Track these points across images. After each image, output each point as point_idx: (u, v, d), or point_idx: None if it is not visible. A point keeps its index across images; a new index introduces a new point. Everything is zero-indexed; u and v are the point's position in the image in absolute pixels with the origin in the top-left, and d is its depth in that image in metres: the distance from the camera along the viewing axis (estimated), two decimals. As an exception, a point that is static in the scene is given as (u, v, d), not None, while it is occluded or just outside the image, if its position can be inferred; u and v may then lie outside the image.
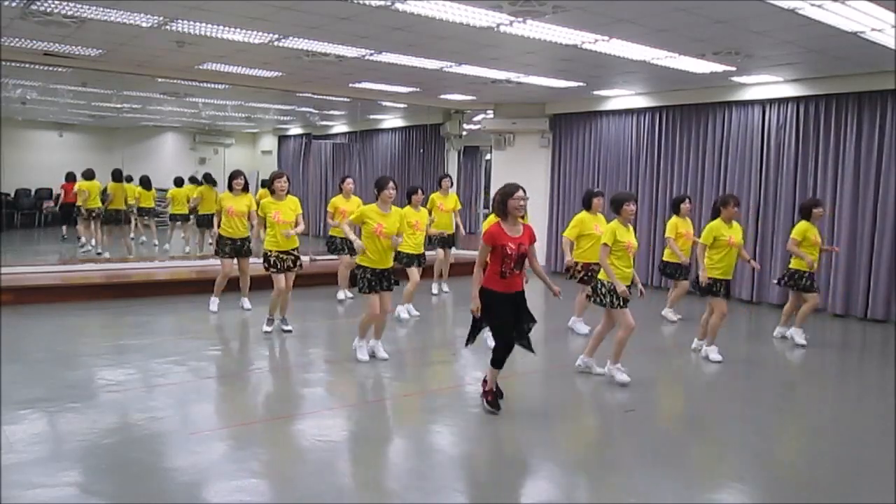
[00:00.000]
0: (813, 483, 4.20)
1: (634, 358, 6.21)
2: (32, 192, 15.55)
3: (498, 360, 4.96)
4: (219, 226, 8.07)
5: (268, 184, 7.31)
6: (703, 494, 3.99)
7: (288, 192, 7.23)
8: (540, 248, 12.83)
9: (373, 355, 6.33)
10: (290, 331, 7.32)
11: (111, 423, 4.68)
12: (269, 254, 7.12)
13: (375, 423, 5.07)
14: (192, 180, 13.21)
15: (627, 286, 5.67)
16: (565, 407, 5.41)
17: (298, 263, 7.26)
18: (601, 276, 5.79)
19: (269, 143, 19.41)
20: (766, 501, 3.94)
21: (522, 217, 5.00)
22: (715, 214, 6.67)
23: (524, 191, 4.94)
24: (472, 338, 5.07)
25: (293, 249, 7.20)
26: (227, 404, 5.46)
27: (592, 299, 5.92)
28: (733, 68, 8.61)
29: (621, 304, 5.65)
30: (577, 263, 7.45)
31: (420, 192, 8.22)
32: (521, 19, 6.59)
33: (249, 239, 8.18)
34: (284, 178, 7.21)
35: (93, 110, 14.46)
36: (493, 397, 5.01)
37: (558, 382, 6.13)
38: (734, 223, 6.61)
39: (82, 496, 3.64)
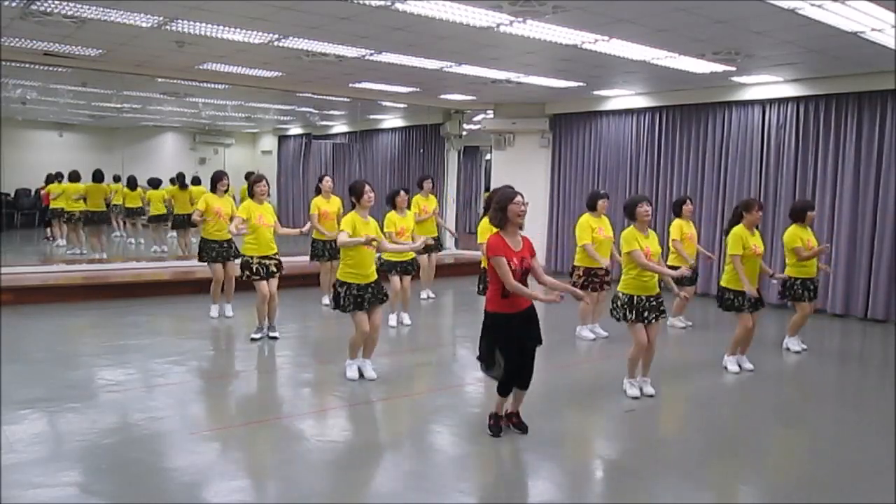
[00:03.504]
0: (813, 483, 4.20)
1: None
2: (32, 192, 15.55)
3: (507, 389, 4.52)
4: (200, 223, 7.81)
5: (248, 186, 7.04)
6: (703, 494, 3.99)
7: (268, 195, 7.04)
8: (539, 251, 12.74)
9: (361, 375, 5.83)
10: (276, 338, 7.10)
11: (111, 423, 4.68)
12: (250, 260, 6.86)
13: (375, 424, 5.07)
14: (173, 182, 13.18)
15: (651, 296, 5.34)
16: (565, 407, 5.40)
17: (281, 267, 7.06)
18: (619, 287, 5.43)
19: (269, 143, 19.40)
20: (766, 501, 3.94)
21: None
22: (736, 220, 6.19)
23: (523, 196, 4.47)
24: (489, 364, 4.53)
25: (274, 254, 7.01)
26: (226, 404, 5.47)
27: (611, 313, 5.51)
28: (733, 68, 8.61)
29: (635, 318, 5.30)
30: (578, 268, 7.34)
31: (403, 193, 7.77)
32: (521, 19, 6.59)
33: (232, 240, 7.85)
34: (264, 182, 6.99)
35: (93, 110, 14.45)
36: (494, 422, 4.62)
37: (558, 382, 6.13)
38: (755, 230, 6.17)
39: (82, 496, 3.65)
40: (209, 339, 7.36)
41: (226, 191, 7.93)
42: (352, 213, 5.65)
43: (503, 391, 4.54)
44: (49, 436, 4.49)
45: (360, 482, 4.04)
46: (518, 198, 4.39)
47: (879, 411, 5.51)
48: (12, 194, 15.47)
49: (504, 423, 4.68)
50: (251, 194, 6.99)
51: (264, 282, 6.91)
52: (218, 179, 7.88)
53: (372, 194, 5.67)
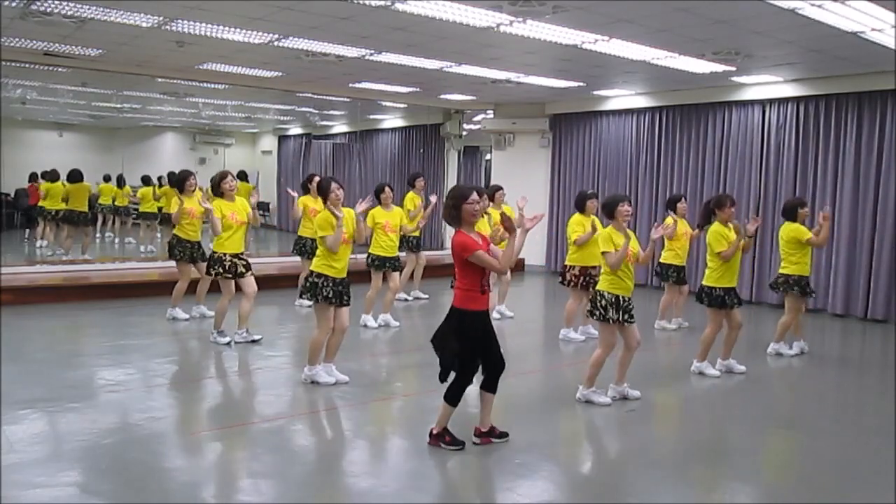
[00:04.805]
0: (813, 483, 4.19)
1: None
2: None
3: (455, 395, 4.30)
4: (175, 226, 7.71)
5: (213, 185, 6.80)
6: (702, 494, 3.99)
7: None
8: (539, 250, 12.86)
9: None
10: (257, 340, 6.89)
11: (111, 423, 4.68)
12: (223, 256, 6.61)
13: (375, 424, 5.07)
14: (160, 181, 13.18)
15: (630, 297, 5.23)
16: (564, 407, 5.39)
17: (250, 268, 6.82)
18: (600, 286, 5.32)
19: (269, 143, 19.40)
20: (765, 501, 3.94)
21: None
22: (706, 217, 6.11)
23: (479, 193, 4.30)
24: (446, 374, 4.32)
25: (242, 253, 6.77)
26: (226, 404, 5.46)
27: (590, 313, 5.35)
28: (733, 68, 8.61)
29: (620, 318, 5.14)
30: (573, 267, 7.24)
31: (389, 188, 7.68)
32: (521, 19, 6.59)
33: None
34: (230, 178, 6.73)
35: (93, 110, 14.47)
36: (451, 438, 4.37)
37: (557, 382, 6.13)
38: (730, 226, 6.09)
39: (82, 496, 3.64)
40: (209, 339, 7.35)
41: (193, 190, 7.65)
42: (324, 213, 5.52)
43: (455, 399, 4.31)
44: (49, 436, 4.49)
45: (360, 482, 4.04)
46: (474, 195, 4.17)
47: (879, 412, 5.51)
48: (12, 194, 15.46)
49: (483, 441, 4.48)
50: (219, 193, 6.71)
51: (232, 281, 6.70)
52: (184, 179, 7.62)
53: (340, 192, 5.50)
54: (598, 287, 5.36)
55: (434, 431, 4.42)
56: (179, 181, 7.68)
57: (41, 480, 3.75)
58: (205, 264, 7.30)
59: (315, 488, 3.90)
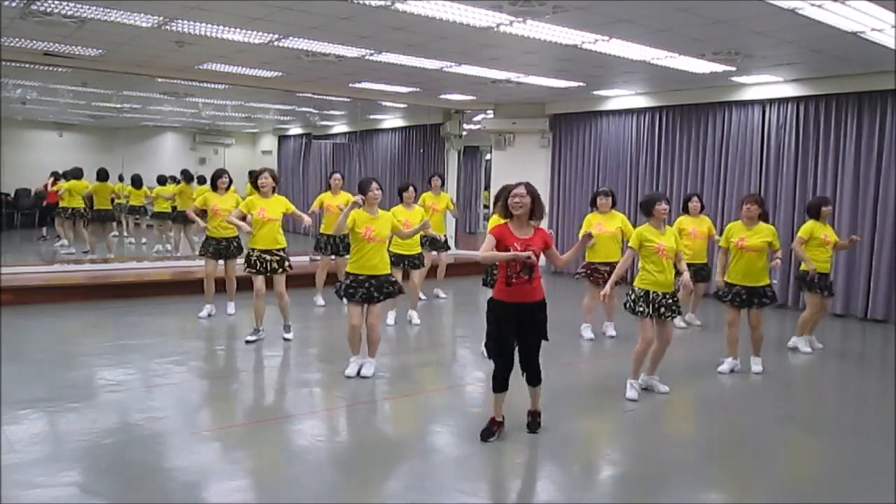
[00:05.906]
0: (813, 483, 4.19)
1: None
2: (32, 193, 15.57)
3: (498, 383, 4.52)
4: (203, 219, 7.99)
5: (252, 179, 7.03)
6: (703, 494, 3.99)
7: (275, 190, 6.92)
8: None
9: (358, 372, 5.84)
10: (289, 339, 7.02)
11: (111, 423, 4.68)
12: (250, 253, 6.80)
13: (375, 423, 5.07)
14: (173, 179, 13.21)
15: (668, 293, 5.35)
16: (565, 406, 5.40)
17: (287, 265, 6.88)
18: (636, 283, 5.45)
19: (269, 143, 19.40)
20: (765, 501, 3.94)
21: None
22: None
23: (527, 186, 4.49)
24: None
25: (279, 249, 6.83)
26: (226, 404, 5.46)
27: (624, 306, 5.53)
28: (733, 68, 8.61)
29: (651, 313, 5.32)
30: (584, 263, 7.44)
31: (412, 188, 7.82)
32: (521, 19, 6.59)
33: (238, 238, 7.87)
34: (267, 174, 6.85)
35: (93, 110, 14.45)
36: (498, 427, 4.58)
37: (561, 382, 6.13)
38: (759, 224, 6.12)
39: (82, 496, 3.64)
40: (209, 338, 7.37)
41: (227, 188, 7.96)
42: (356, 211, 5.70)
43: (494, 386, 4.54)
44: (49, 436, 4.49)
45: (360, 482, 4.04)
46: (515, 190, 4.48)
47: (880, 412, 5.51)
48: (12, 194, 15.46)
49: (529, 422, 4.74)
50: (256, 188, 6.91)
51: (261, 277, 6.81)
52: (218, 177, 7.97)
53: (378, 192, 5.75)
54: (634, 283, 5.51)
55: (492, 420, 4.61)
56: (212, 179, 8.04)
57: (41, 480, 3.75)
58: (232, 262, 7.87)
59: (315, 488, 3.90)
